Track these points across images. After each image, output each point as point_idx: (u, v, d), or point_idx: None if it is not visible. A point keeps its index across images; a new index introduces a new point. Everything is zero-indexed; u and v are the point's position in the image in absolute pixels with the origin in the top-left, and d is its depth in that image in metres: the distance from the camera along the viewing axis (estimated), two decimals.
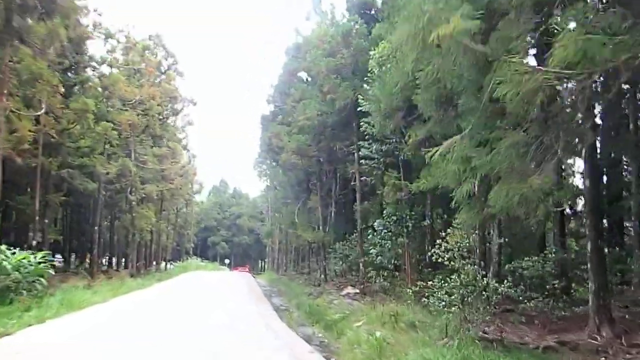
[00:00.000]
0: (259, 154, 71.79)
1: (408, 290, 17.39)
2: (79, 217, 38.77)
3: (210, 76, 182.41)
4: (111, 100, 25.54)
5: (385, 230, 18.80)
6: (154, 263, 44.03)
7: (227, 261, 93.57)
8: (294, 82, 30.79)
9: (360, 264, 22.14)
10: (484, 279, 11.19)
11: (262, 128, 51.32)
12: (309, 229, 30.29)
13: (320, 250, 29.08)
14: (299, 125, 24.24)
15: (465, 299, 10.73)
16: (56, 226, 35.96)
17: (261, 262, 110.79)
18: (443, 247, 13.59)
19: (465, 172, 8.73)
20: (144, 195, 31.37)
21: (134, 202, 30.02)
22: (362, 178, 21.28)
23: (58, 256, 38.23)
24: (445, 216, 18.01)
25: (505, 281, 11.69)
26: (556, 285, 12.04)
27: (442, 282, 12.33)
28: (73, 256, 38.32)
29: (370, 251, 19.03)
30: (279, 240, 62.89)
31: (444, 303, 11.13)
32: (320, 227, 28.67)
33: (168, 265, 57.10)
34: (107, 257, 40.33)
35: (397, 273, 19.08)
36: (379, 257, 18.74)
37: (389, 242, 18.40)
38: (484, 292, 10.92)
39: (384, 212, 19.31)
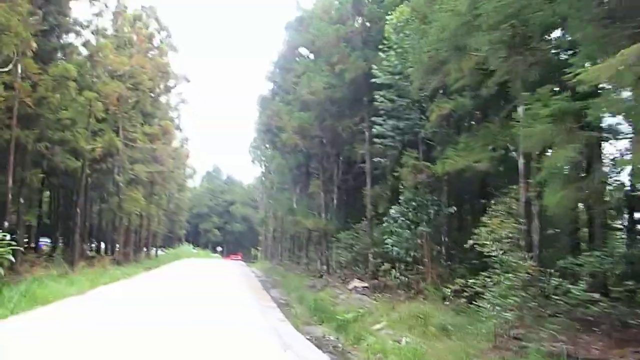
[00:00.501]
0: (255, 139, 69.27)
1: (432, 286, 15.32)
2: (67, 200, 36.25)
3: (204, 59, 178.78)
4: (97, 70, 22.88)
5: (403, 218, 16.57)
6: (144, 250, 41.59)
7: (219, 249, 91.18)
8: (296, 58, 28.41)
9: (370, 256, 19.96)
10: (546, 277, 9.05)
11: (260, 109, 48.88)
12: (309, 216, 28.05)
13: (321, 239, 26.87)
14: (303, 99, 21.87)
15: (526, 302, 8.60)
16: (41, 208, 33.43)
17: (253, 251, 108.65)
18: (487, 238, 11.44)
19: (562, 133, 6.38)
20: (132, 177, 28.86)
21: (121, 184, 27.51)
22: (375, 159, 18.96)
23: (46, 240, 35.77)
24: (482, 201, 15.75)
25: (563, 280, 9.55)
26: (626, 287, 9.88)
27: (487, 279, 10.19)
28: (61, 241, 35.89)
29: (386, 241, 16.79)
30: (274, 228, 60.62)
31: (498, 307, 8.95)
32: (323, 214, 26.42)
33: (159, 252, 54.69)
34: (95, 243, 37.84)
35: (419, 267, 16.85)
36: (395, 249, 16.50)
37: (407, 231, 16.16)
38: (547, 294, 8.83)
39: (401, 197, 17.04)
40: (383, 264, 18.60)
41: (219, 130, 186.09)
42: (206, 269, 33.22)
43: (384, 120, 17.49)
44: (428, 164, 16.30)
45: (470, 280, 10.75)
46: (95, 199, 33.67)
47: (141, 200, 28.97)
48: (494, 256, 9.90)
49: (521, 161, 12.37)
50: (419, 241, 16.26)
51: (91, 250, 38.87)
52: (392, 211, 16.82)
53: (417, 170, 16.26)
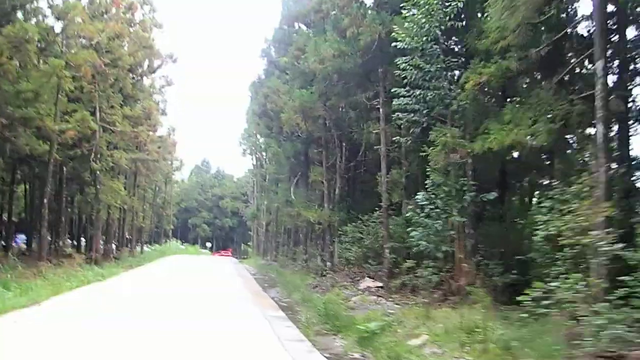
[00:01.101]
0: (246, 130, 66.20)
1: (473, 287, 12.53)
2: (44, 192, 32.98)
3: (196, 43, 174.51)
4: (66, 35, 19.67)
5: (432, 207, 13.74)
6: (128, 246, 38.37)
7: (208, 244, 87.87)
8: (294, 33, 25.43)
9: (386, 251, 17.13)
10: None
11: (253, 94, 45.75)
12: (310, 208, 25.18)
13: (324, 233, 23.99)
14: (307, 72, 18.93)
15: None
16: (11, 200, 30.08)
17: (244, 246, 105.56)
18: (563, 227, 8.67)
19: None
20: (112, 165, 25.69)
21: (99, 172, 24.34)
22: (395, 138, 16.02)
23: (22, 237, 32.39)
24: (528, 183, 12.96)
25: None
26: None
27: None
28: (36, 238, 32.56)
29: (411, 234, 13.94)
30: (267, 223, 57.62)
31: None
32: (326, 205, 23.54)
33: (145, 249, 51.41)
34: (73, 239, 34.53)
35: (448, 264, 14.05)
36: (422, 242, 13.66)
37: (438, 222, 13.33)
38: None
39: (428, 182, 14.20)
40: (405, 261, 15.78)
41: (209, 124, 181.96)
42: (194, 267, 30.19)
43: (407, 91, 14.59)
44: (463, 141, 13.50)
45: (553, 284, 8.01)
46: (76, 191, 30.37)
47: (122, 191, 25.85)
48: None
49: (601, 130, 9.60)
50: (452, 233, 13.47)
51: (70, 247, 35.64)
52: (418, 198, 13.95)
53: (450, 149, 13.45)
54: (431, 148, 14.14)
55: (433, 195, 13.97)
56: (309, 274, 26.33)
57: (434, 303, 14.39)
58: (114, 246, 37.61)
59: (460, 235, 13.65)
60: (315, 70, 18.22)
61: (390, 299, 16.37)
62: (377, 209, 19.15)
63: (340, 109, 21.88)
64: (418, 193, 14.14)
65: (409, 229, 14.55)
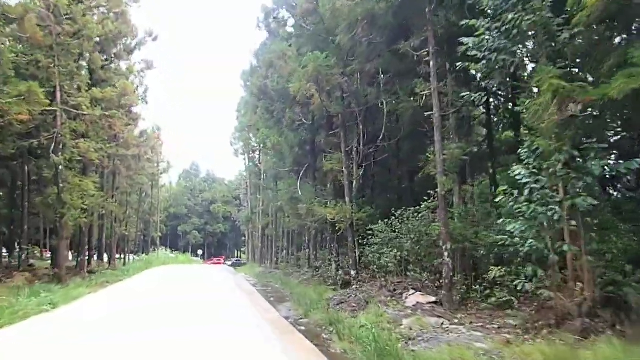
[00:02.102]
0: (237, 128, 61.24)
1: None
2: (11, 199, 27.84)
3: (183, 36, 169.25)
4: None
5: (537, 187, 9.03)
6: (106, 258, 33.15)
7: (200, 252, 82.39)
8: None
9: (445, 254, 12.35)
10: None
11: (245, 86, 40.98)
12: (323, 204, 20.39)
13: (346, 233, 19.15)
14: (329, 23, 14.16)
15: None
16: None
17: (238, 253, 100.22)
18: None
19: None
20: (79, 158, 20.62)
21: (61, 167, 19.29)
22: (465, 94, 11.17)
23: None
24: None
25: None
26: None
27: None
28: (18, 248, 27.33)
29: (507, 228, 9.19)
30: (263, 226, 52.64)
31: None
32: (347, 199, 18.74)
33: (130, 259, 46.06)
34: (39, 250, 29.30)
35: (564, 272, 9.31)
36: (530, 241, 8.91)
37: (552, 209, 8.61)
38: None
39: (523, 151, 9.49)
40: (474, 266, 11.05)
41: (196, 124, 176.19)
42: (184, 280, 25.14)
43: (488, 22, 9.90)
44: (584, 84, 8.86)
45: None
46: (35, 192, 25.20)
47: (93, 191, 20.76)
48: None
49: None
50: (572, 225, 8.78)
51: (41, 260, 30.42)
52: (517, 172, 9.18)
53: (565, 97, 8.79)
54: (528, 101, 9.45)
55: (535, 171, 9.27)
56: (323, 285, 21.55)
57: (535, 327, 9.74)
58: (96, 257, 32.49)
59: (580, 229, 8.96)
60: (338, 21, 13.45)
61: (459, 322, 11.64)
62: (427, 199, 14.39)
63: (359, 78, 17.20)
64: (516, 167, 9.31)
65: (501, 220, 9.77)
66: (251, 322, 12.15)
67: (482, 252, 12.20)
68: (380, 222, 17.20)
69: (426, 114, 12.77)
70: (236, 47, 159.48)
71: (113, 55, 25.63)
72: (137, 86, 27.75)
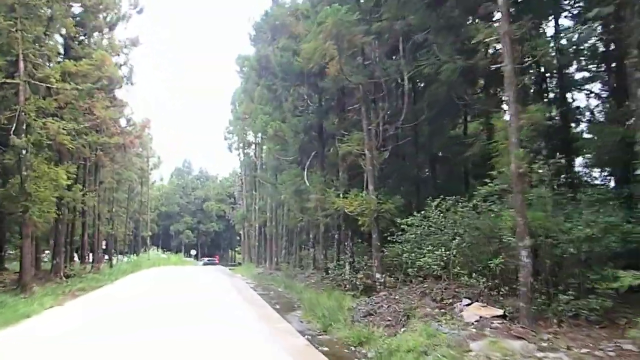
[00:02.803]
0: (231, 122, 57.78)
1: None
2: None
3: (177, 34, 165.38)
4: None
5: None
6: (90, 258, 29.61)
7: (193, 252, 78.65)
8: None
9: (524, 253, 9.17)
10: None
11: (240, 71, 37.71)
12: (340, 195, 17.15)
13: (371, 229, 15.87)
14: None
15: None
16: None
17: (232, 253, 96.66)
18: None
19: None
20: (49, 142, 17.18)
21: (25, 151, 15.87)
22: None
23: None
24: None
25: None
26: None
27: None
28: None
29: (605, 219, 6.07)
30: (260, 224, 49.29)
31: None
32: (370, 188, 15.46)
33: (122, 259, 42.51)
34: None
35: None
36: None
37: None
38: None
39: None
40: (557, 268, 7.93)
41: (188, 122, 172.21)
42: (175, 285, 21.82)
43: None
44: None
45: None
46: None
47: (64, 181, 17.34)
48: None
49: None
50: None
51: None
52: None
53: None
54: None
55: None
56: (336, 289, 18.38)
57: None
58: (79, 259, 29.00)
59: None
60: None
61: (550, 344, 8.47)
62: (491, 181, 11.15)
63: (387, 38, 13.99)
64: None
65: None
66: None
67: (569, 248, 9.04)
68: (406, 215, 14.02)
69: (493, 67, 9.55)
70: (232, 46, 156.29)
71: (92, 28, 22.18)
72: (121, 65, 24.30)
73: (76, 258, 28.16)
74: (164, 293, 16.64)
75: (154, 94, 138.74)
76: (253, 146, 52.36)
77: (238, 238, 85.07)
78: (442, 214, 13.08)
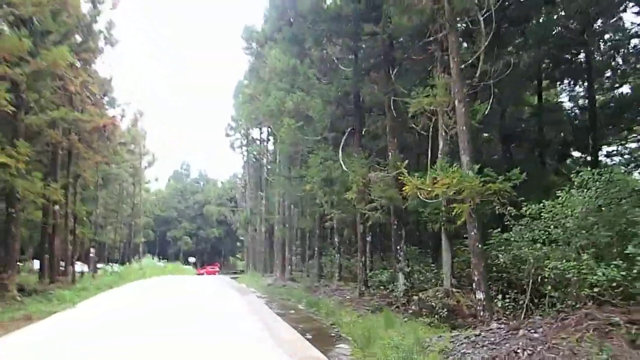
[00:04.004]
0: (233, 117, 52.15)
1: None
2: None
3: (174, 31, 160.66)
4: None
5: None
6: (61, 268, 23.70)
7: (192, 260, 72.47)
8: None
9: None
10: None
11: (248, 49, 32.24)
12: (418, 175, 11.48)
13: (470, 222, 10.12)
14: None
15: None
16: None
17: (233, 260, 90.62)
18: None
19: None
20: None
21: None
22: None
23: None
24: None
25: None
26: None
27: None
28: None
29: None
30: (267, 228, 43.56)
31: None
32: (464, 160, 9.70)
33: (111, 269, 36.50)
34: None
35: None
36: None
37: None
38: None
39: None
40: None
41: (186, 120, 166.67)
42: (164, 308, 15.94)
43: None
44: None
45: None
46: None
47: (7, 159, 11.68)
48: None
49: None
50: None
51: None
52: None
53: None
54: None
55: None
56: (386, 309, 12.81)
57: None
58: (37, 268, 23.16)
59: None
60: None
61: None
62: None
63: None
64: None
65: None
66: None
67: None
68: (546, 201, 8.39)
69: None
70: (233, 44, 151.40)
71: None
72: (95, 16, 18.56)
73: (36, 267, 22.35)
74: (145, 327, 10.92)
75: (156, 91, 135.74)
76: (261, 138, 46.83)
77: (239, 244, 79.29)
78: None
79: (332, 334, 12.69)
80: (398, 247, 14.81)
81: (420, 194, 10.24)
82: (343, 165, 15.80)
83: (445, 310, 10.76)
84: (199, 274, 61.10)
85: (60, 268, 24.94)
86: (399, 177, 11.77)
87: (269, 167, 38.74)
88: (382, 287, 17.02)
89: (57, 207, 21.49)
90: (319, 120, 17.84)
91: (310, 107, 18.39)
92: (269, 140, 45.88)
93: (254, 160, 51.03)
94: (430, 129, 13.11)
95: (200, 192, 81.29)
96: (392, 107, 15.14)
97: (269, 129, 38.35)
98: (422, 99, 10.83)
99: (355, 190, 14.88)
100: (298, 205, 28.62)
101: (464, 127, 9.84)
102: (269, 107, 22.98)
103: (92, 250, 39.17)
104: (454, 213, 9.50)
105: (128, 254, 54.44)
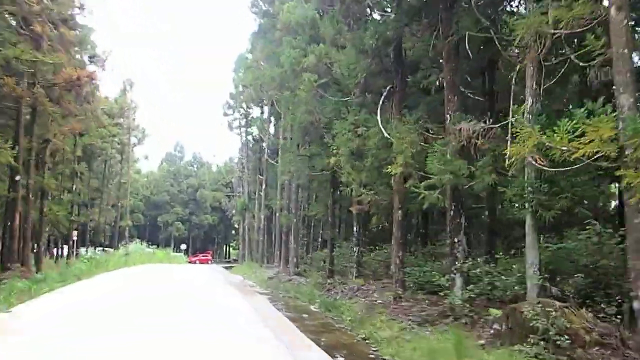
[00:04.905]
0: (232, 94, 47.99)
1: None
2: None
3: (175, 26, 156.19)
4: None
5: None
6: (16, 254, 19.63)
7: (183, 247, 68.35)
8: None
9: None
10: None
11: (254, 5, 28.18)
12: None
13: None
14: None
15: None
16: None
17: (227, 248, 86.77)
18: None
19: None
20: None
21: None
22: None
23: None
24: None
25: None
26: None
27: None
28: None
29: None
30: (265, 216, 39.75)
31: None
32: (626, 104, 6.08)
33: (89, 254, 32.50)
34: None
35: None
36: None
37: None
38: None
39: None
40: None
41: (182, 110, 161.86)
42: (147, 308, 12.05)
43: None
44: None
45: None
46: None
47: None
48: None
49: None
50: None
51: None
52: None
53: None
54: None
55: None
56: (455, 327, 8.99)
57: None
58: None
59: None
60: None
61: None
62: None
63: None
64: None
65: None
66: None
67: None
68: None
69: None
70: (234, 39, 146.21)
71: None
72: None
73: None
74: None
75: (156, 87, 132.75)
76: (260, 120, 42.74)
77: (234, 232, 75.38)
78: None
79: (372, 356, 8.94)
80: (456, 240, 10.98)
81: (541, 159, 6.42)
82: (384, 131, 11.94)
83: (565, 336, 7.00)
84: (190, 262, 57.34)
85: (32, 252, 21.07)
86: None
87: (269, 150, 34.76)
88: (423, 290, 13.29)
89: (18, 177, 17.49)
90: (349, 77, 13.91)
91: (336, 62, 14.49)
92: (270, 120, 42.02)
93: (254, 141, 47.12)
94: (514, 79, 9.34)
95: (194, 176, 77.04)
96: (451, 55, 11.30)
97: (272, 106, 34.39)
98: (536, 17, 6.92)
99: (402, 163, 11.04)
100: (306, 188, 24.79)
101: (625, 50, 6.03)
102: (282, 69, 19.09)
103: (74, 233, 35.24)
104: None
105: (117, 239, 50.44)
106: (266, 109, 41.55)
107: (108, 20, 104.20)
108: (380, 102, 13.01)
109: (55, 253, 35.71)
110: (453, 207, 11.04)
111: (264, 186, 39.18)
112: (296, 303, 16.76)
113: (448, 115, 11.18)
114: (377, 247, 20.52)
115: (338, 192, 21.36)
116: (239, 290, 18.03)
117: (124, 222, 41.63)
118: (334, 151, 13.53)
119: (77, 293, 13.45)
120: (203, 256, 64.74)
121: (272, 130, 41.34)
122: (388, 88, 13.16)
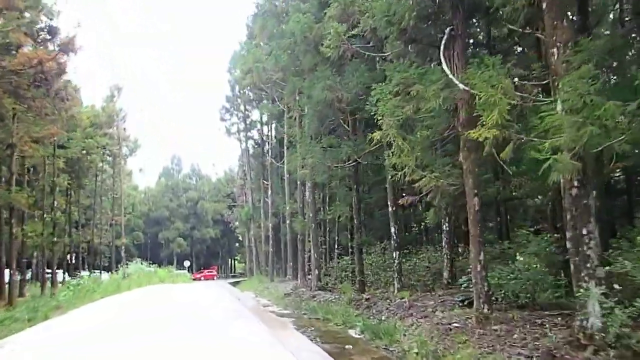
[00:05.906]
0: (228, 97, 44.39)
1: None
2: None
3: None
4: None
5: None
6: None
7: (187, 263, 64.32)
8: None
9: None
10: None
11: None
12: None
13: None
14: None
15: None
16: None
17: (231, 262, 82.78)
18: None
19: None
20: None
21: None
22: None
23: None
24: None
25: None
26: None
27: None
28: None
29: None
30: (274, 225, 35.87)
31: None
32: None
33: (77, 281, 28.53)
34: None
35: None
36: None
37: None
38: None
39: None
40: None
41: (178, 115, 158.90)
42: None
43: None
44: None
45: None
46: None
47: None
48: None
49: None
50: None
51: None
52: None
53: None
54: None
55: None
56: None
57: None
58: None
59: None
60: None
61: None
62: None
63: None
64: None
65: None
66: None
67: None
68: None
69: None
70: (233, 39, 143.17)
71: None
72: None
73: None
74: None
75: (156, 87, 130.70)
76: (259, 124, 39.11)
77: (238, 245, 71.40)
78: None
79: None
80: (584, 232, 7.20)
81: None
82: (458, 83, 8.20)
83: None
84: (195, 279, 53.69)
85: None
86: None
87: (269, 156, 31.02)
88: (511, 305, 9.51)
89: None
90: (387, 25, 10.20)
91: (370, 9, 10.82)
92: (271, 123, 38.55)
93: (256, 145, 43.44)
94: None
95: (194, 189, 73.15)
96: None
97: (273, 103, 30.77)
98: None
99: (495, 123, 7.29)
100: (321, 188, 21.05)
101: None
102: (289, 39, 15.44)
103: (68, 256, 31.39)
104: None
105: (114, 259, 46.45)
106: (265, 116, 38.32)
107: (108, 20, 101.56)
108: (442, 48, 9.27)
109: (46, 278, 31.84)
110: (577, 181, 7.27)
111: (269, 192, 35.42)
112: (328, 327, 12.93)
113: (555, 49, 7.45)
114: (411, 252, 16.91)
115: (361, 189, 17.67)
116: (259, 317, 14.08)
117: (119, 241, 37.69)
118: (379, 122, 9.76)
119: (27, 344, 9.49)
120: (208, 272, 61.25)
121: (273, 131, 37.97)
122: (448, 30, 9.44)
